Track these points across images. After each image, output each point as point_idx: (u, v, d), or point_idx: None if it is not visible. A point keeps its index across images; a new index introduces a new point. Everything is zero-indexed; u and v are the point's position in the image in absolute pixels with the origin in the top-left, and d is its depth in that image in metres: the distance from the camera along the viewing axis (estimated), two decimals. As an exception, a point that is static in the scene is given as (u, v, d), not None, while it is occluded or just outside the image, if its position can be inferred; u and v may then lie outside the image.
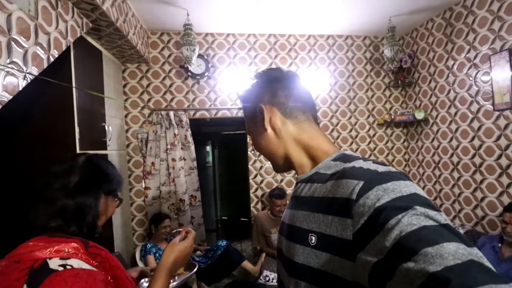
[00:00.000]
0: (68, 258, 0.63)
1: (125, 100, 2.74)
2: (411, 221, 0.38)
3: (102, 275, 0.65)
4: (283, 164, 0.69)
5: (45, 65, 1.48)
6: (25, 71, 1.29)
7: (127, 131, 2.75)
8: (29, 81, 1.32)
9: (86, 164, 0.78)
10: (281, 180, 3.03)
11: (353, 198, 0.46)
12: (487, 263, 0.33)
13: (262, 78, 0.72)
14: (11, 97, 1.21)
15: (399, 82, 3.11)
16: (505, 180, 2.18)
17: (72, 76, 1.86)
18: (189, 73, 2.77)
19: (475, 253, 0.34)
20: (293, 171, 0.69)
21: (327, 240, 0.49)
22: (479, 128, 2.37)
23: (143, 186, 2.74)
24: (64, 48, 1.66)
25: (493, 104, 2.24)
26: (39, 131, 1.82)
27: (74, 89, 1.86)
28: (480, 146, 2.37)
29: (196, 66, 2.74)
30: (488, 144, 2.30)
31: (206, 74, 2.81)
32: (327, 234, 0.49)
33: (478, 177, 2.40)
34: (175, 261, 0.85)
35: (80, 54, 1.96)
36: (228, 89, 2.92)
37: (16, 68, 1.23)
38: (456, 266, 0.32)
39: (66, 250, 0.64)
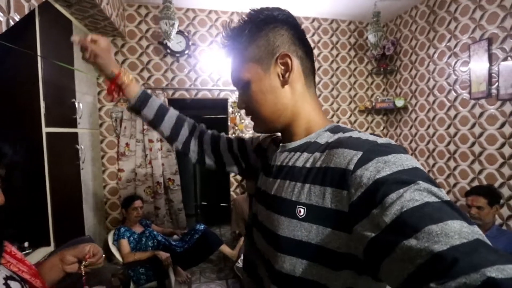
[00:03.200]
0: None
1: (99, 76, 2.56)
2: (413, 196, 0.37)
3: None
4: (276, 128, 0.62)
5: (4, 28, 1.32)
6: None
7: (100, 109, 2.59)
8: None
9: None
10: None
11: (350, 168, 0.44)
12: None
13: (281, 19, 0.58)
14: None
15: (381, 69, 3.12)
16: (477, 166, 2.26)
17: (37, 45, 1.69)
18: (168, 50, 2.63)
19: (478, 232, 0.33)
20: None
21: (319, 212, 0.47)
22: (455, 116, 2.42)
23: (117, 168, 2.61)
24: (26, 11, 1.49)
25: (469, 93, 2.29)
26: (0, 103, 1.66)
27: (39, 59, 1.70)
28: (455, 134, 2.44)
29: (175, 43, 2.60)
30: (463, 132, 2.37)
31: (186, 52, 2.68)
32: (319, 206, 0.47)
33: (452, 163, 2.48)
34: None
35: (47, 22, 1.79)
36: (209, 69, 2.81)
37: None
38: (463, 245, 0.31)
39: None
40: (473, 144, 2.29)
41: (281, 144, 0.63)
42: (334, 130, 0.56)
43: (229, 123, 2.89)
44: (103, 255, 0.80)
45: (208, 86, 2.81)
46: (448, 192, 2.52)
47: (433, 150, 2.66)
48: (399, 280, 0.35)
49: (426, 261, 0.32)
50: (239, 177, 2.96)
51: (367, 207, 0.40)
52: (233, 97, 2.86)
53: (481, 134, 2.22)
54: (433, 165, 2.66)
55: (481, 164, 2.23)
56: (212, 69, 2.81)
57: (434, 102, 2.63)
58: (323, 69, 3.10)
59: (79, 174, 2.12)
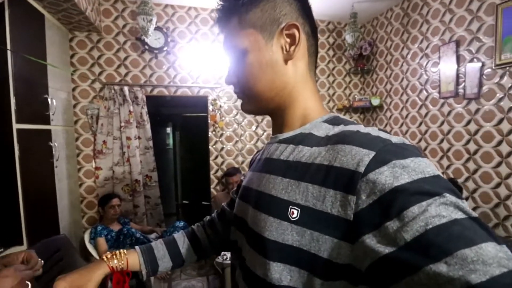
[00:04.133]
0: None
1: (73, 72, 2.49)
2: (439, 211, 0.32)
3: None
4: (268, 108, 0.55)
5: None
6: None
7: (75, 106, 2.53)
8: None
9: None
10: (242, 162, 3.02)
11: (360, 171, 0.37)
12: None
13: None
14: None
15: (359, 69, 3.21)
16: (445, 162, 2.38)
17: (7, 39, 1.63)
18: (146, 46, 2.59)
19: (510, 254, 0.29)
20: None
21: (316, 216, 0.41)
22: (426, 114, 2.54)
23: (94, 166, 2.56)
24: (-7, 3, 1.44)
25: (439, 92, 2.40)
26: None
27: (9, 53, 1.64)
28: (426, 131, 2.55)
29: (154, 39, 2.57)
30: (433, 129, 2.48)
31: (165, 48, 2.65)
32: (316, 209, 0.41)
33: (423, 160, 2.59)
34: None
35: (18, 15, 1.73)
36: (189, 66, 2.79)
37: None
38: (503, 275, 0.27)
39: None
40: (441, 141, 2.40)
41: (271, 136, 0.57)
42: (334, 121, 0.50)
43: (209, 121, 2.89)
44: (41, 262, 0.70)
45: (188, 83, 2.79)
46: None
47: (406, 147, 2.77)
48: None
49: None
50: (219, 174, 2.97)
51: (380, 218, 0.34)
52: (213, 94, 2.87)
53: (449, 131, 2.34)
54: (406, 162, 2.78)
55: (449, 159, 2.35)
56: (192, 66, 2.80)
57: (407, 101, 2.74)
58: (303, 68, 3.15)
59: (53, 172, 2.07)
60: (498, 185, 2.00)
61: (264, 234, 0.46)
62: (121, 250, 0.69)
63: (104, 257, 0.66)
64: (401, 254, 0.32)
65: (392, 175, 0.35)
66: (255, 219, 0.49)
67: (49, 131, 2.03)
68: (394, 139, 0.40)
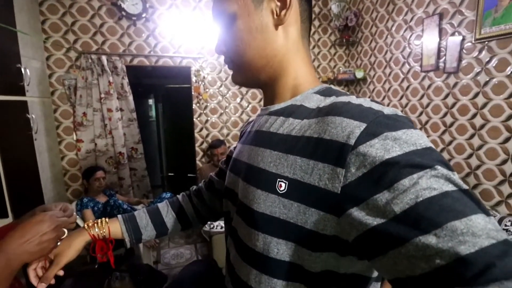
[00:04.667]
0: None
1: (46, 40, 2.34)
2: (430, 184, 0.31)
3: None
4: (259, 80, 0.53)
5: None
6: None
7: (50, 76, 2.40)
8: None
9: None
10: (227, 135, 3.03)
11: (350, 143, 0.37)
12: None
13: None
14: None
15: (344, 41, 3.18)
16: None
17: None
18: (123, 13, 2.44)
19: (499, 226, 0.29)
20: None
21: (303, 189, 0.41)
22: (407, 87, 2.60)
23: (75, 138, 2.50)
24: None
25: (421, 66, 2.44)
26: None
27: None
28: (406, 104, 2.62)
29: (131, 5, 2.42)
30: (413, 102, 2.55)
31: (143, 15, 2.51)
32: (304, 182, 0.41)
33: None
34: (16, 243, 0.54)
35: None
36: (170, 34, 2.67)
37: None
38: (492, 247, 0.27)
39: None
40: (420, 113, 2.49)
41: (262, 108, 0.56)
42: (325, 92, 0.49)
43: (193, 93, 2.84)
44: (75, 216, 0.71)
45: (169, 53, 2.69)
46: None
47: (387, 119, 2.85)
48: (403, 275, 0.31)
49: (448, 263, 0.28)
50: (204, 146, 2.98)
51: (370, 190, 0.34)
52: (196, 65, 2.79)
53: (428, 105, 2.42)
54: (386, 134, 2.88)
55: (426, 131, 2.45)
56: (173, 35, 2.68)
57: (390, 74, 2.77)
58: (288, 39, 3.09)
59: (33, 145, 2.02)
60: (470, 155, 2.12)
61: (252, 206, 0.46)
62: (103, 218, 0.71)
63: (85, 225, 0.68)
64: (390, 227, 0.32)
65: (383, 148, 0.35)
66: (244, 192, 0.50)
67: (25, 102, 1.95)
68: (387, 110, 0.39)
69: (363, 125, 0.37)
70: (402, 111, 2.64)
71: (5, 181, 1.66)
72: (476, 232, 0.28)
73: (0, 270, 0.50)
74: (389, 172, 0.33)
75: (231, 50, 0.51)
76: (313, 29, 3.17)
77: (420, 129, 2.49)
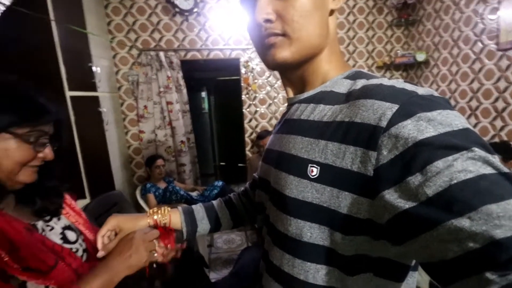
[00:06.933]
0: None
1: (112, 40, 2.59)
2: (466, 166, 0.30)
3: None
4: (305, 58, 0.49)
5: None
6: (-7, -1, 1.20)
7: (117, 73, 2.66)
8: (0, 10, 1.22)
9: None
10: (275, 127, 3.03)
11: (382, 125, 0.36)
12: None
13: None
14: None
15: (402, 20, 2.92)
16: (498, 123, 2.19)
17: (48, 9, 1.72)
18: (177, 9, 2.57)
19: None
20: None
21: (335, 173, 0.41)
22: (480, 69, 2.29)
23: (138, 129, 2.75)
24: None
25: (497, 44, 2.13)
26: (20, 71, 1.75)
27: (53, 24, 1.74)
28: (478, 89, 2.32)
29: (183, 1, 2.53)
30: (487, 86, 2.25)
31: (195, 10, 2.61)
32: (336, 166, 0.40)
33: (472, 121, 2.40)
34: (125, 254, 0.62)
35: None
36: (219, 27, 2.74)
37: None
38: None
39: None
40: (496, 99, 2.19)
41: (288, 97, 0.56)
42: (355, 76, 0.48)
43: (242, 84, 2.89)
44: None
45: (219, 45, 2.77)
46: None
47: (454, 106, 2.55)
48: (434, 258, 0.31)
49: (482, 247, 0.27)
50: (253, 137, 3.04)
51: (402, 172, 0.33)
52: (245, 56, 2.83)
53: (506, 89, 2.11)
54: (452, 122, 2.59)
55: (504, 120, 2.15)
56: (222, 27, 2.74)
57: (458, 55, 2.47)
58: (339, 23, 2.94)
59: (104, 135, 2.27)
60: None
61: (284, 192, 0.47)
62: (166, 207, 0.75)
63: (150, 211, 0.73)
64: (422, 210, 0.31)
65: (416, 129, 0.33)
66: (277, 178, 0.50)
67: (96, 97, 2.19)
68: (421, 90, 0.38)
69: (395, 106, 0.36)
70: (472, 97, 2.36)
71: (83, 167, 1.91)
72: None
73: (106, 283, 0.58)
74: (422, 154, 0.32)
75: (290, 20, 0.45)
76: (366, 10, 2.96)
77: (496, 117, 2.19)
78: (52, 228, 0.66)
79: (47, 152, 0.61)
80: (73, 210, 0.75)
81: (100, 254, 0.64)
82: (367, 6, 2.95)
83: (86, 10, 2.15)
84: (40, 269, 0.54)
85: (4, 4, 1.25)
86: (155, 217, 0.72)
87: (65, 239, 0.66)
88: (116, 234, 0.68)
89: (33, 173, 0.60)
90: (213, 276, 2.28)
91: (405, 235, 0.33)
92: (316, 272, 0.45)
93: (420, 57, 2.78)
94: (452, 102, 2.57)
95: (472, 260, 0.27)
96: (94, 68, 2.16)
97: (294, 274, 0.47)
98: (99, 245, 0.64)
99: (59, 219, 0.68)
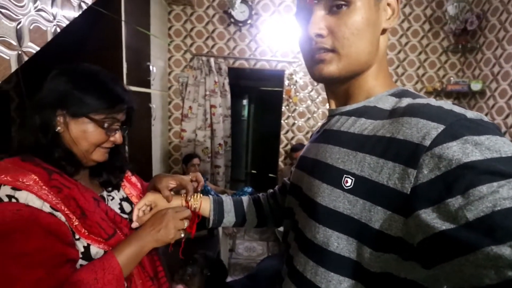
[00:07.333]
0: (19, 189, 0.52)
1: (170, 43, 2.81)
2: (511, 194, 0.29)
3: (53, 219, 0.54)
4: (353, 73, 0.50)
5: (99, -4, 1.55)
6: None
7: (169, 73, 2.87)
8: (83, 9, 1.41)
9: (52, 77, 0.64)
10: (311, 137, 3.03)
11: (425, 144, 0.35)
12: None
13: None
14: (68, 22, 1.31)
15: (460, 47, 2.78)
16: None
17: (121, 11, 1.93)
18: (232, 20, 2.72)
19: None
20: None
21: (370, 187, 0.41)
22: (544, 105, 2.11)
23: (180, 128, 2.92)
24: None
25: None
26: (92, 62, 1.97)
27: (123, 24, 1.95)
28: (539, 126, 2.13)
29: (239, 12, 2.67)
30: (550, 123, 2.06)
31: (248, 21, 2.74)
32: (372, 180, 0.40)
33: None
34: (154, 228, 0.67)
35: (130, -10, 2.01)
36: (269, 39, 2.85)
37: (73, -5, 1.31)
38: None
39: (21, 180, 0.54)
40: (560, 138, 1.99)
41: (330, 108, 0.57)
42: (401, 94, 0.48)
43: (283, 95, 2.95)
44: (203, 182, 0.83)
45: (267, 56, 2.86)
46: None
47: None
48: (467, 283, 0.30)
49: None
50: (288, 148, 3.05)
51: (442, 193, 0.33)
52: (290, 69, 2.89)
53: None
54: (506, 158, 2.39)
55: None
56: (272, 39, 2.84)
57: (519, 87, 2.30)
58: (390, 44, 2.89)
59: (150, 130, 2.45)
60: None
61: (316, 199, 0.47)
62: (198, 193, 0.80)
63: (183, 194, 0.78)
64: (460, 233, 0.30)
65: (461, 151, 0.33)
66: (309, 185, 0.51)
67: (149, 94, 2.38)
68: (470, 114, 0.37)
69: (441, 127, 0.35)
70: (532, 134, 2.17)
71: (128, 156, 2.07)
72: None
73: (136, 253, 0.63)
74: (465, 177, 0.31)
75: (341, 37, 0.46)
76: (421, 33, 2.88)
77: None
78: (113, 198, 0.74)
79: (117, 137, 0.68)
80: (129, 182, 0.82)
81: (134, 225, 0.70)
82: (422, 30, 2.87)
83: (152, 14, 2.37)
84: (101, 235, 0.61)
85: (86, 4, 1.43)
86: (189, 199, 0.77)
87: (122, 209, 0.74)
88: (151, 209, 0.74)
89: (105, 153, 0.68)
90: (229, 280, 2.30)
91: (438, 257, 0.33)
92: (339, 284, 0.45)
93: (476, 86, 2.62)
94: (508, 138, 2.38)
95: None
96: (151, 67, 2.35)
97: (316, 282, 0.47)
98: (135, 216, 0.71)
99: (118, 191, 0.76)
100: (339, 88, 0.54)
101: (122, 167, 0.77)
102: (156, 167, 2.61)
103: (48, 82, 0.63)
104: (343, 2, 0.45)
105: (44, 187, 0.55)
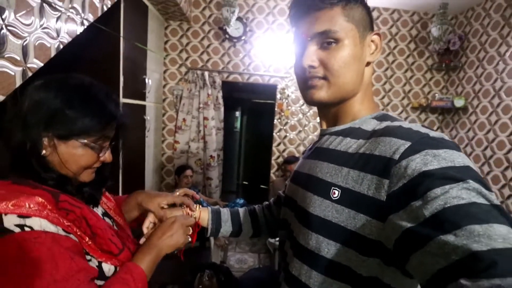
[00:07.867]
0: (28, 217, 0.48)
1: (165, 57, 2.87)
2: (460, 194, 0.35)
3: (71, 241, 0.52)
4: (340, 100, 0.57)
5: (99, 13, 1.61)
6: (82, 17, 1.44)
7: (164, 86, 2.92)
8: (85, 26, 1.46)
9: (36, 88, 0.57)
10: (303, 152, 3.09)
11: (395, 158, 0.43)
12: None
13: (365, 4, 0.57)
14: (70, 39, 1.36)
15: (443, 65, 2.93)
16: (537, 179, 2.09)
17: (120, 27, 1.99)
18: (227, 36, 2.81)
19: None
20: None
21: (353, 197, 0.47)
22: (521, 122, 2.23)
23: (174, 139, 2.95)
24: (115, -1, 1.78)
25: (542, 98, 2.09)
26: (89, 75, 2.01)
27: (121, 40, 2.01)
28: (518, 141, 2.25)
29: (234, 29, 2.77)
30: (528, 139, 2.18)
31: (243, 37, 2.84)
32: (355, 191, 0.47)
33: (509, 173, 2.31)
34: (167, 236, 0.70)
35: (129, 7, 2.08)
36: (262, 55, 2.94)
37: (75, 13, 1.37)
38: (505, 250, 0.29)
39: (27, 206, 0.49)
40: (537, 154, 2.10)
41: (321, 128, 0.64)
42: (382, 118, 0.55)
43: (276, 109, 3.02)
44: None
45: (260, 71, 2.95)
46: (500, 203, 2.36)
47: (490, 157, 2.48)
48: (427, 274, 0.34)
49: (461, 258, 0.30)
50: (280, 161, 3.11)
51: (407, 198, 0.39)
52: (282, 83, 2.98)
53: (548, 144, 2.03)
54: (488, 173, 2.50)
55: (544, 176, 2.05)
56: (265, 55, 2.94)
57: (498, 105, 2.43)
58: (378, 62, 3.02)
59: (144, 141, 2.47)
60: None
61: (309, 209, 0.53)
62: (197, 204, 0.85)
63: (185, 207, 0.82)
64: (419, 228, 0.36)
65: (422, 162, 0.39)
66: (303, 197, 0.57)
67: (144, 106, 2.42)
68: (433, 133, 0.44)
69: (408, 143, 0.43)
70: (511, 150, 2.27)
71: (122, 168, 2.09)
72: (493, 236, 0.30)
73: (154, 260, 0.65)
74: (424, 183, 0.38)
75: (331, 68, 0.53)
76: (407, 52, 3.03)
77: (535, 172, 2.09)
78: None
79: (107, 156, 0.66)
80: (105, 196, 0.79)
81: (142, 240, 0.74)
82: (408, 49, 3.02)
83: (149, 30, 2.44)
84: (112, 252, 0.60)
85: (88, 21, 1.49)
86: (193, 211, 0.82)
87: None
88: (154, 225, 0.78)
89: (92, 173, 0.66)
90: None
91: (407, 252, 0.38)
92: (329, 286, 0.50)
93: (459, 102, 2.75)
94: (489, 152, 2.49)
95: (453, 270, 0.31)
96: (146, 80, 2.40)
97: (310, 285, 0.52)
98: (144, 229, 0.75)
99: (97, 207, 0.73)
100: (329, 111, 0.61)
101: (106, 182, 0.75)
102: (149, 178, 2.63)
103: (31, 93, 0.57)
104: (332, 40, 0.53)
105: (53, 210, 0.52)
